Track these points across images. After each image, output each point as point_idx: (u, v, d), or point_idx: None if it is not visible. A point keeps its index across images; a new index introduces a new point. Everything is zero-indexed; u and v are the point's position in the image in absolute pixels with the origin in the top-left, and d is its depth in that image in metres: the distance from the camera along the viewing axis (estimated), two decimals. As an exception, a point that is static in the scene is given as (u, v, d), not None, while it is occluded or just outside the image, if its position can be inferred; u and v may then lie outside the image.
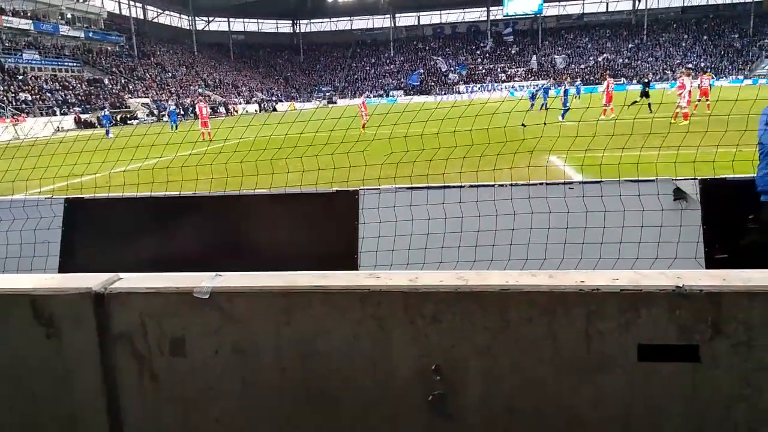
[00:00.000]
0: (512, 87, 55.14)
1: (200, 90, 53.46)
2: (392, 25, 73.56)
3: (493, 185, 3.40)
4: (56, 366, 1.59)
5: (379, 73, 69.91)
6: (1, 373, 1.64)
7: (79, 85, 43.45)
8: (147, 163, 4.47)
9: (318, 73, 72.40)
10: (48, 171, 3.93)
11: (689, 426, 1.44)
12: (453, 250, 3.17)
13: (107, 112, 30.22)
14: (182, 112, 39.09)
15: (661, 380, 1.43)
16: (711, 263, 3.08)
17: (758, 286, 1.38)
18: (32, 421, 1.64)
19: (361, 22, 76.00)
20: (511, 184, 3.40)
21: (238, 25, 72.77)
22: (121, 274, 1.65)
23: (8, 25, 41.95)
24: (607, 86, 20.01)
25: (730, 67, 55.34)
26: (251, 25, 74.12)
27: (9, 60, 40.03)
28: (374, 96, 55.60)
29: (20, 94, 37.55)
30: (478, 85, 60.67)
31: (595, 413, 1.47)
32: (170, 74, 55.44)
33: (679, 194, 3.25)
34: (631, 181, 3.30)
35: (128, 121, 37.76)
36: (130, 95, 45.91)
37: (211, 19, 69.11)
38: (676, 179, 3.28)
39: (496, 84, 60.17)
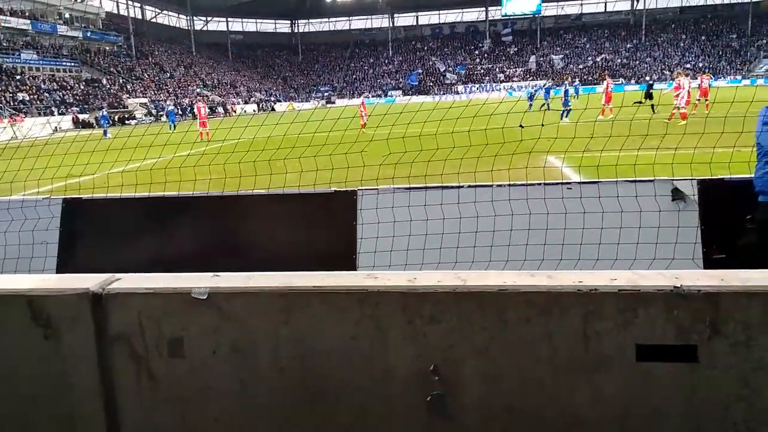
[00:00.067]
0: (510, 87, 55.18)
1: (198, 90, 53.41)
2: (391, 25, 73.58)
3: (491, 186, 3.40)
4: (54, 366, 1.59)
5: (378, 73, 69.92)
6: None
7: (77, 85, 43.38)
8: (145, 164, 4.47)
9: (316, 73, 72.39)
10: (46, 171, 3.93)
11: (687, 426, 1.44)
12: (451, 250, 3.17)
13: (105, 113, 30.13)
14: (180, 112, 39.05)
15: (659, 380, 1.43)
16: (709, 263, 3.09)
17: (756, 286, 1.38)
18: (30, 421, 1.64)
19: (359, 22, 76.04)
20: (510, 185, 3.40)
21: (237, 25, 72.75)
22: (119, 275, 1.65)
23: (6, 24, 41.88)
24: (607, 86, 20.09)
25: (728, 68, 55.49)
26: (249, 25, 74.11)
27: (7, 60, 39.95)
28: (372, 96, 55.59)
29: (18, 94, 37.48)
30: (477, 86, 60.71)
31: (593, 413, 1.47)
32: (168, 74, 55.38)
33: (677, 195, 3.25)
34: (629, 181, 3.31)
35: (126, 122, 37.70)
36: (128, 95, 45.85)
37: (209, 19, 69.06)
38: (674, 180, 3.29)
39: (494, 84, 60.21)
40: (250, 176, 4.02)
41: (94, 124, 32.24)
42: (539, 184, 3.39)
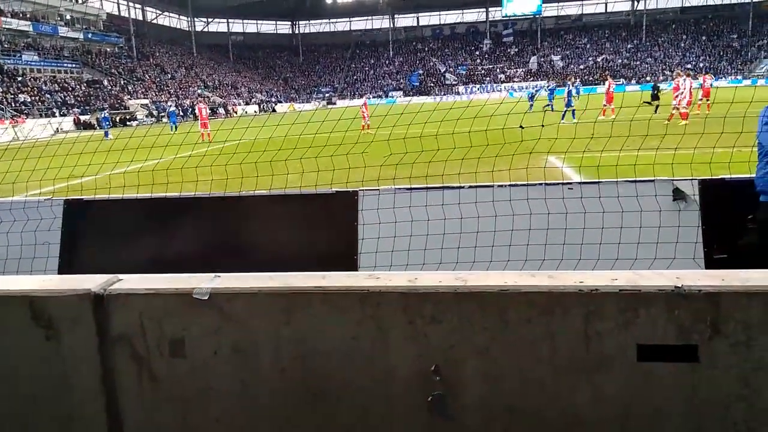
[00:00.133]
0: (511, 88, 55.16)
1: (200, 91, 53.46)
2: (391, 26, 73.62)
3: (492, 186, 3.41)
4: (55, 367, 1.59)
5: (378, 74, 69.95)
6: (0, 374, 1.64)
7: (78, 87, 43.45)
8: (146, 165, 4.47)
9: (317, 74, 72.44)
10: (47, 172, 3.93)
11: (688, 426, 1.44)
12: (452, 250, 3.17)
13: (106, 114, 30.18)
14: (182, 114, 39.10)
15: (660, 380, 1.43)
16: (710, 263, 3.08)
17: (757, 286, 1.38)
18: (31, 421, 1.64)
19: (360, 23, 76.08)
20: (510, 185, 3.40)
21: (237, 26, 72.85)
22: (121, 276, 1.65)
23: (7, 26, 41.97)
24: (609, 86, 20.11)
25: (729, 68, 55.43)
26: (250, 26, 74.22)
27: (8, 61, 40.03)
28: (373, 97, 55.60)
29: (19, 95, 37.55)
30: (477, 86, 60.72)
31: (594, 413, 1.47)
32: (169, 75, 55.45)
33: (678, 195, 3.25)
34: (630, 181, 3.31)
35: (127, 123, 37.75)
36: (129, 96, 45.91)
37: (210, 20, 69.14)
38: (674, 180, 3.29)
39: (495, 85, 60.21)
40: (252, 177, 4.03)
41: (96, 126, 32.27)
42: (540, 184, 3.39)
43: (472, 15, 72.64)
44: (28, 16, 44.74)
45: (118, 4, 58.31)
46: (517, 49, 68.77)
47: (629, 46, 64.05)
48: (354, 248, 3.43)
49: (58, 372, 1.59)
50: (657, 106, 17.36)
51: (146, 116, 41.86)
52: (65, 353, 1.58)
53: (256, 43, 73.57)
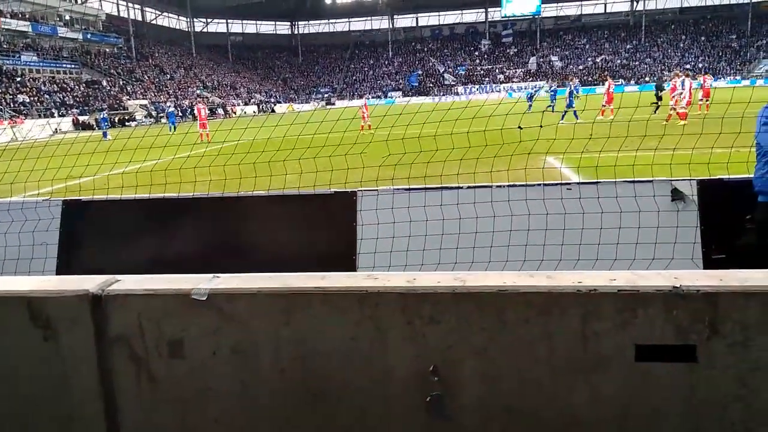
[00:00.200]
0: (510, 88, 55.21)
1: (199, 91, 53.44)
2: (390, 26, 73.63)
3: (490, 186, 3.41)
4: (54, 368, 1.59)
5: (378, 74, 69.96)
6: (0, 374, 1.64)
7: (77, 87, 43.41)
8: (145, 165, 4.47)
9: (316, 75, 72.45)
10: (46, 173, 3.93)
11: (686, 426, 1.44)
12: (451, 251, 3.18)
13: (105, 114, 30.15)
14: (180, 114, 39.06)
15: (658, 380, 1.43)
16: (708, 264, 3.09)
17: (755, 286, 1.38)
18: (30, 421, 1.64)
19: (359, 24, 76.12)
20: (509, 186, 3.40)
21: (237, 26, 72.84)
22: (119, 276, 1.65)
23: (6, 26, 41.93)
24: (608, 86, 20.16)
25: (727, 68, 55.52)
26: (249, 27, 74.21)
27: (7, 62, 39.99)
28: (372, 97, 55.64)
29: (18, 95, 37.51)
30: (476, 87, 60.76)
31: (592, 413, 1.47)
32: (169, 76, 55.42)
33: (676, 195, 3.26)
34: (628, 181, 3.31)
35: (126, 123, 37.72)
36: (128, 97, 45.87)
37: (209, 20, 69.12)
38: (673, 180, 3.30)
39: (494, 85, 60.25)
40: (250, 177, 4.03)
41: (94, 126, 32.24)
42: (538, 184, 3.40)
43: (472, 15, 72.69)
44: (27, 16, 44.70)
45: (117, 4, 58.30)
46: (516, 50, 68.82)
47: (628, 46, 64.12)
48: (353, 248, 3.44)
49: (57, 372, 1.59)
50: (657, 107, 17.37)
51: (145, 117, 41.83)
52: (64, 354, 1.58)
53: (255, 43, 73.56)
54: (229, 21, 70.34)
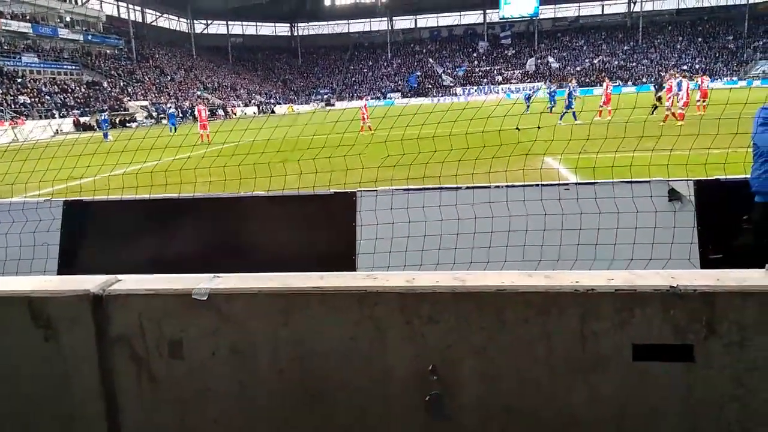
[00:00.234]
0: (509, 89, 55.25)
1: (199, 93, 53.44)
2: (389, 28, 73.69)
3: (489, 187, 3.42)
4: (54, 368, 1.60)
5: (377, 75, 69.99)
6: (1, 373, 1.64)
7: (78, 88, 43.40)
8: (146, 166, 4.48)
9: (316, 76, 72.47)
10: (47, 174, 3.94)
11: (683, 425, 1.45)
12: (450, 251, 3.19)
13: (106, 115, 30.15)
14: (181, 115, 39.06)
15: (655, 380, 1.44)
16: (705, 264, 3.10)
17: (752, 286, 1.39)
18: (31, 421, 1.65)
19: (358, 26, 76.18)
20: (507, 186, 3.41)
21: (237, 28, 72.86)
22: (120, 276, 1.66)
23: (7, 28, 41.92)
24: (606, 87, 20.22)
25: (724, 69, 55.58)
26: (249, 29, 74.24)
27: (8, 63, 39.97)
28: (372, 98, 55.68)
29: (19, 97, 37.49)
30: (475, 88, 60.79)
31: (590, 413, 1.48)
32: (169, 77, 55.42)
33: (674, 195, 3.27)
34: (626, 182, 3.33)
35: (127, 124, 37.71)
36: (129, 98, 45.87)
37: (209, 22, 69.15)
38: (670, 180, 3.31)
39: (492, 86, 60.29)
40: (250, 178, 4.04)
41: (95, 127, 32.22)
42: (537, 185, 3.40)
43: (470, 17, 72.73)
44: (28, 17, 44.69)
45: (118, 6, 58.31)
46: (514, 51, 68.86)
47: (625, 47, 64.17)
48: (352, 249, 3.44)
49: (58, 372, 1.60)
50: (655, 107, 17.39)
51: (145, 118, 41.82)
52: (65, 353, 1.58)
53: (255, 45, 73.58)
54: (229, 22, 70.37)
